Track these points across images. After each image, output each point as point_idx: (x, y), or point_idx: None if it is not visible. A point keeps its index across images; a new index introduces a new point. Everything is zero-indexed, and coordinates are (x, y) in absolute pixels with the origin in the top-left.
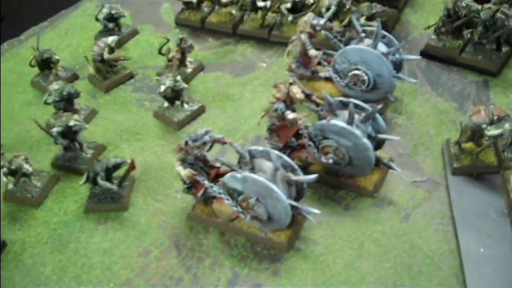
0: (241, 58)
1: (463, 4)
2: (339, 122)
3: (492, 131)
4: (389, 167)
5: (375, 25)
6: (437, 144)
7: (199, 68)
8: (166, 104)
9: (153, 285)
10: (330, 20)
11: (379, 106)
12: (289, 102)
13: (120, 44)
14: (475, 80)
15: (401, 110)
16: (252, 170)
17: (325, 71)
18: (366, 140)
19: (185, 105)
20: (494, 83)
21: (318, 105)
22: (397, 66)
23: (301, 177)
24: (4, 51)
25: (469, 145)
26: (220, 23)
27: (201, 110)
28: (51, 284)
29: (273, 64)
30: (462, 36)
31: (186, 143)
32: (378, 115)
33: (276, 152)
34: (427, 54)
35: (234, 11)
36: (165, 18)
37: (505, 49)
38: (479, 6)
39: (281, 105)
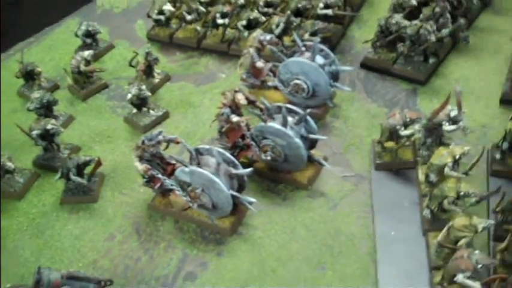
0: (204, 69)
1: (393, 21)
2: (275, 124)
3: (405, 132)
4: (320, 163)
5: (316, 40)
6: (367, 144)
7: (166, 78)
8: (134, 110)
9: (116, 265)
10: (280, 35)
11: (309, 111)
12: (235, 108)
13: (97, 57)
14: (405, 88)
15: (339, 114)
16: (199, 165)
17: (272, 81)
18: (297, 140)
19: (151, 111)
20: (422, 91)
21: (261, 110)
22: (334, 76)
23: (240, 170)
24: None
25: (390, 144)
26: (186, 38)
27: (165, 116)
28: (29, 265)
29: (231, 75)
30: (396, 49)
31: (143, 142)
32: (309, 118)
33: (218, 149)
34: (365, 65)
35: (198, 28)
36: (138, 34)
37: (432, 60)
38: (408, 23)
39: (227, 110)
